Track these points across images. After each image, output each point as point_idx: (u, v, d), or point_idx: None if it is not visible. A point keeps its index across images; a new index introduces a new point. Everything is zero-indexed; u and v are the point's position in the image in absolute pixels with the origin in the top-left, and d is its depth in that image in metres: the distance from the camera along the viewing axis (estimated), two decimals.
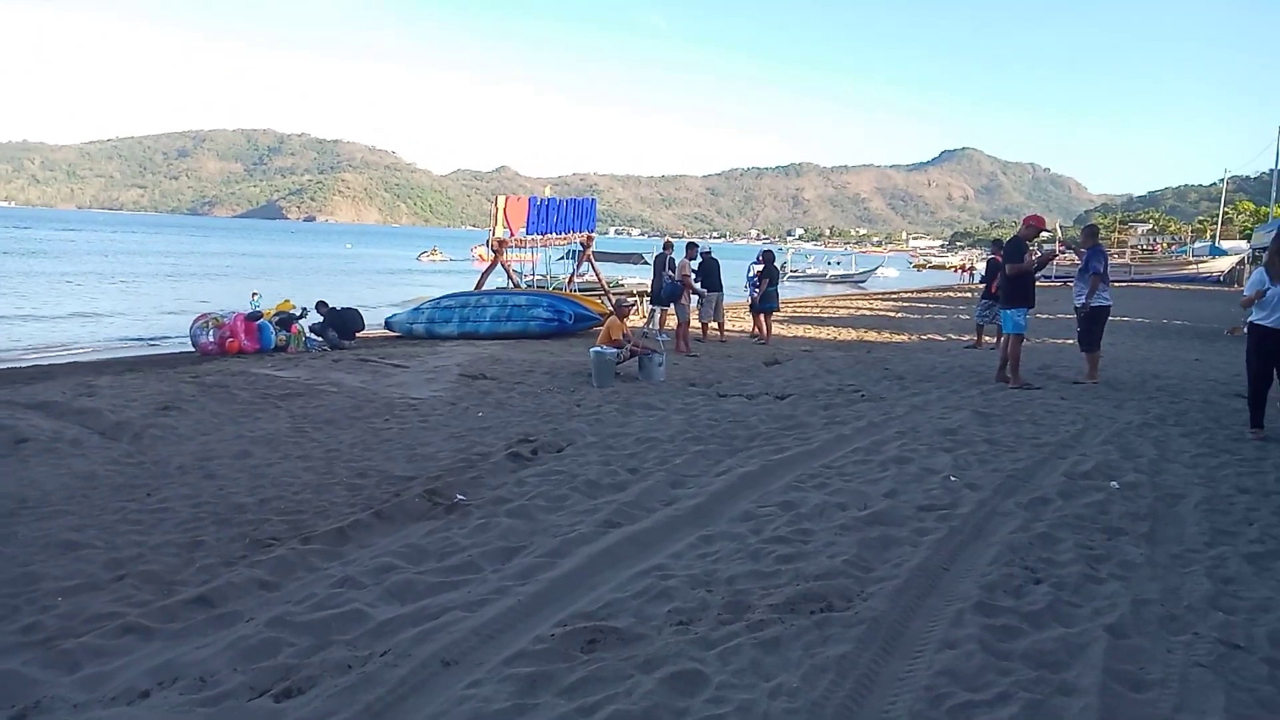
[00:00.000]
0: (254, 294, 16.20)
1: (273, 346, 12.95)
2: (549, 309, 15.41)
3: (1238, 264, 47.97)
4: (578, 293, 17.93)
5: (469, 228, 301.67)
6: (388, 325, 16.68)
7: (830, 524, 4.77)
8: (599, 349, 10.45)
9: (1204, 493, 5.52)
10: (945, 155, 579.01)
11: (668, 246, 15.39)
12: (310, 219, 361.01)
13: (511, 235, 17.47)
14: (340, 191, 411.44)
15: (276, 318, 13.42)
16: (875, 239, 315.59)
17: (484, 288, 17.29)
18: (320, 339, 13.75)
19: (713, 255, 15.36)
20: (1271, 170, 47.21)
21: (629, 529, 4.72)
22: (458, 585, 4.00)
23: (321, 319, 14.06)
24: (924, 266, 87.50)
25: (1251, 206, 69.79)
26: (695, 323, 15.22)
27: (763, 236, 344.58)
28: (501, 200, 17.56)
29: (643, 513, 5.03)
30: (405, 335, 15.93)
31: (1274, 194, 51.11)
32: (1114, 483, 5.67)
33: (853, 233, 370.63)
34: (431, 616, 3.62)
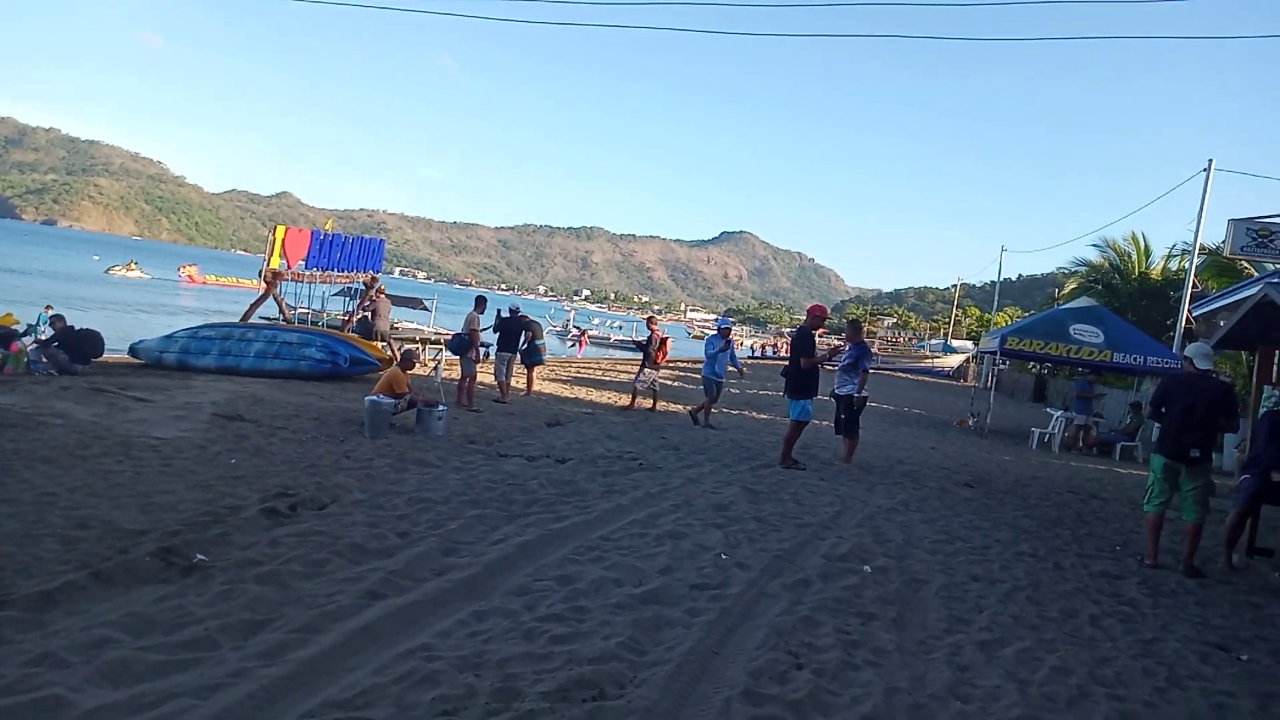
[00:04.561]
0: (48, 307, 14.23)
1: None
2: (322, 349, 14.51)
3: (965, 361, 54.38)
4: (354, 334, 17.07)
5: (240, 252, 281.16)
6: (133, 352, 14.97)
7: (606, 601, 4.69)
8: (375, 397, 9.91)
9: (943, 579, 6.00)
10: (724, 236, 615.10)
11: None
12: (50, 223, 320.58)
13: (289, 267, 16.44)
14: (91, 197, 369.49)
15: None
16: (657, 307, 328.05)
17: (251, 320, 16.06)
18: (47, 361, 12.08)
19: (519, 315, 15.13)
20: (994, 282, 54.19)
21: (395, 601, 4.39)
22: (188, 665, 3.50)
23: (53, 337, 12.38)
24: (701, 337, 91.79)
25: (977, 312, 79.46)
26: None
27: (550, 294, 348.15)
28: (280, 230, 16.52)
29: (411, 583, 4.71)
30: (153, 365, 14.34)
31: (995, 303, 58.78)
32: (867, 567, 6.03)
33: (636, 299, 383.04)
34: (150, 705, 3.12)
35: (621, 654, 3.97)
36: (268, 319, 17.76)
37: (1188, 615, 5.94)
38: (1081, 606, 5.78)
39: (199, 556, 4.77)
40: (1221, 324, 13.22)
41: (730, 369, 15.57)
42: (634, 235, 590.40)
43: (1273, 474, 7.53)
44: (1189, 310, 19.93)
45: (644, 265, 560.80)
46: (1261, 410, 8.44)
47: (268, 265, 16.33)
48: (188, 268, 70.64)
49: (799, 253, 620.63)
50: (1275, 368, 8.68)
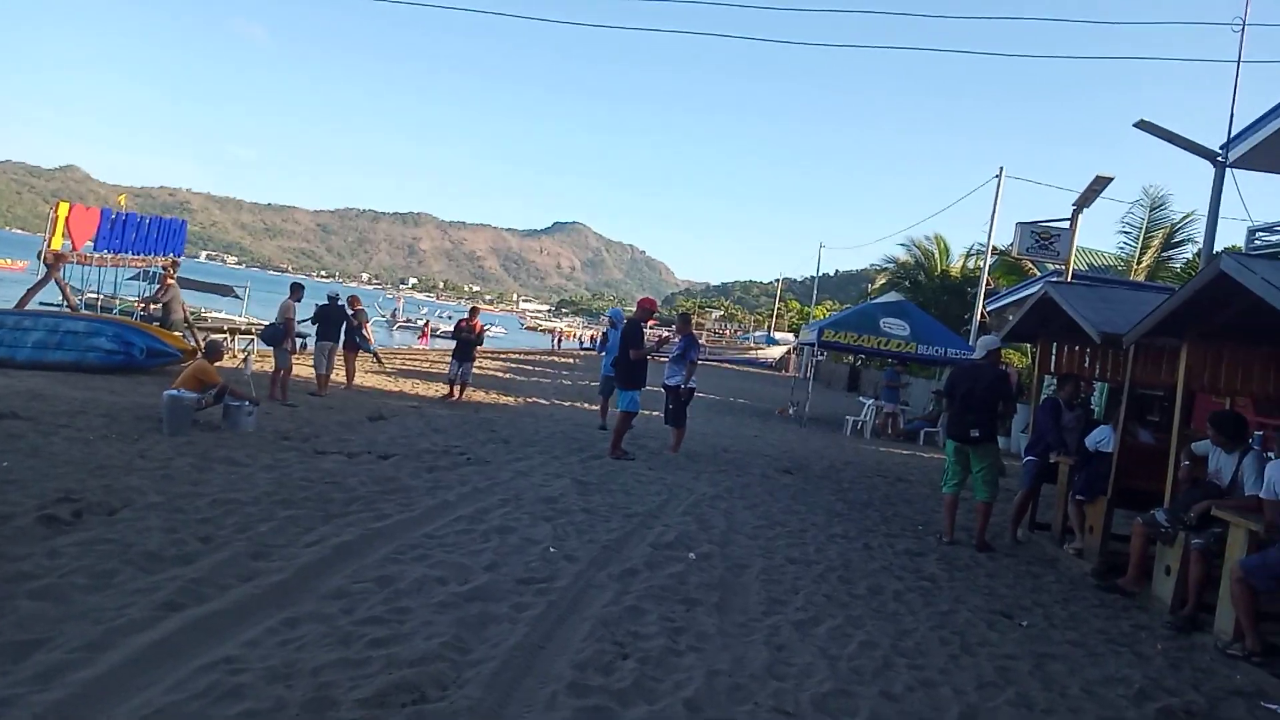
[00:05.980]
0: None
1: None
2: (114, 339, 13.25)
3: (786, 353, 57.06)
4: (154, 324, 15.72)
5: (17, 230, 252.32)
6: None
7: (429, 601, 4.55)
8: (175, 391, 9.16)
9: (763, 563, 6.24)
10: (557, 226, 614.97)
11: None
12: None
13: (74, 249, 14.92)
14: None
15: None
16: (488, 297, 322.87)
17: (29, 306, 14.45)
18: None
19: (339, 303, 14.46)
20: (813, 277, 57.15)
21: (195, 611, 4.06)
22: None
23: None
24: (537, 328, 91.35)
25: (798, 306, 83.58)
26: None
27: (375, 282, 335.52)
28: (64, 207, 14.95)
29: (214, 591, 4.38)
30: None
31: (814, 297, 61.96)
32: (692, 554, 6.18)
33: (467, 289, 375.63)
34: None
35: (444, 654, 3.86)
36: (57, 306, 16.04)
37: (978, 587, 6.48)
38: (887, 583, 6.18)
39: None
40: (1010, 318, 14.53)
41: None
42: (464, 223, 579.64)
43: (1051, 455, 8.36)
44: (983, 305, 21.78)
45: (475, 254, 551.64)
46: (1043, 398, 9.36)
47: (48, 246, 14.71)
48: None
49: (631, 245, 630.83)
50: (1054, 359, 9.63)
